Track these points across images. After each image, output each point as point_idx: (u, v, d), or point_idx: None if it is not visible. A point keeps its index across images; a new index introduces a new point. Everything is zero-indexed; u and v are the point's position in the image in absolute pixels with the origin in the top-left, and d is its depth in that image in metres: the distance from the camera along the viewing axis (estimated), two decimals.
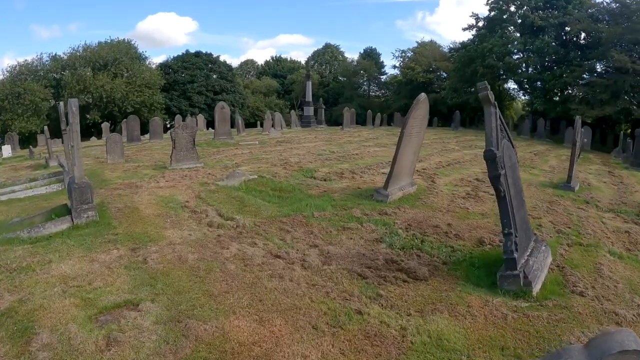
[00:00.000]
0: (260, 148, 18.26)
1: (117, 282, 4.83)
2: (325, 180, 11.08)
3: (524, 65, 37.57)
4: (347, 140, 22.61)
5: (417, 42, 60.35)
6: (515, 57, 38.09)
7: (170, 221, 7.22)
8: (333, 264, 5.57)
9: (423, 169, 13.64)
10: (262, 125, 44.61)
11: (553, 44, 34.55)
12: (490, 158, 4.93)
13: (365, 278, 5.16)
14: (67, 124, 9.86)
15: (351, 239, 6.76)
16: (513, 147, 5.95)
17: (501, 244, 5.54)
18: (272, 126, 29.79)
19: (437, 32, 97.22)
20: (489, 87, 5.50)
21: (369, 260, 5.77)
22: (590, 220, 8.56)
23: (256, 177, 10.68)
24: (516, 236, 4.96)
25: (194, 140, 13.02)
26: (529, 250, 5.49)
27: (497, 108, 5.45)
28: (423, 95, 9.17)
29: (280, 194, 9.38)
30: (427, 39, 65.44)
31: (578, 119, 13.24)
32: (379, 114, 39.03)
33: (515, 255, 4.86)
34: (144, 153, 17.59)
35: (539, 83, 36.94)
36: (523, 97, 46.63)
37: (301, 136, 25.28)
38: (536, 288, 4.91)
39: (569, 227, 7.83)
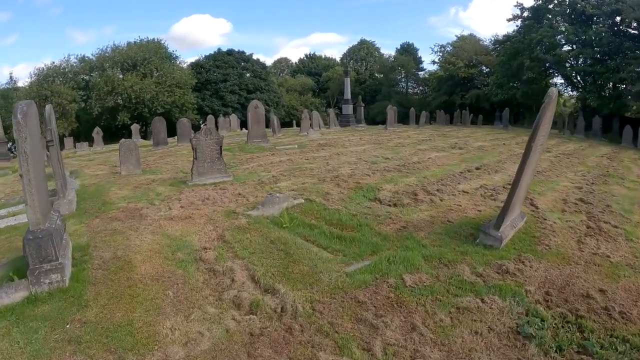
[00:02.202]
0: (301, 154, 15.47)
1: None
2: (395, 205, 8.18)
3: (573, 58, 33.81)
4: (398, 143, 19.56)
5: (456, 35, 57.51)
6: (565, 48, 34.31)
7: (173, 294, 4.47)
8: None
9: (509, 184, 10.53)
10: (298, 125, 42.15)
11: (605, 34, 30.45)
12: None
13: None
14: (51, 134, 7.30)
15: (477, 333, 3.90)
16: None
17: None
18: (310, 126, 26.99)
19: (472, 27, 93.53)
20: None
21: None
22: None
23: (302, 201, 7.87)
24: None
25: (220, 149, 10.33)
26: None
27: None
28: (553, 91, 6.07)
29: (340, 232, 6.53)
30: (459, 34, 61.68)
31: None
32: (423, 112, 35.78)
33: None
34: (167, 160, 15.12)
35: (590, 77, 33.26)
36: (571, 93, 42.85)
37: (343, 137, 22.40)
38: None
39: None
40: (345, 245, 6.03)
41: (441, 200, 8.54)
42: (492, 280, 4.93)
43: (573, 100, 45.54)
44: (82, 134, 37.89)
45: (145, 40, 45.20)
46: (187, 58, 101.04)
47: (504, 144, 20.90)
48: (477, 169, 12.44)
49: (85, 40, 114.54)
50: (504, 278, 5.02)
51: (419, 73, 60.68)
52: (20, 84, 41.91)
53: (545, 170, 13.00)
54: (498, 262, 5.41)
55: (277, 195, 7.27)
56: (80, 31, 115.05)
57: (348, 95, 35.25)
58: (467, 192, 9.21)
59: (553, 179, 11.56)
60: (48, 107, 7.65)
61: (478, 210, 7.84)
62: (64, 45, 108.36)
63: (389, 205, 8.17)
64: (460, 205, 8.24)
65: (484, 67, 48.06)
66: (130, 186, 10.02)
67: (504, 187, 9.66)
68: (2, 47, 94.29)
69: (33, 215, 4.56)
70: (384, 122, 43.99)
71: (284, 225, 6.56)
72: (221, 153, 10.39)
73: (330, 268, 5.12)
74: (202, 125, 42.57)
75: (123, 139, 12.93)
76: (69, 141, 30.83)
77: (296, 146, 17.68)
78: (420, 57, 60.75)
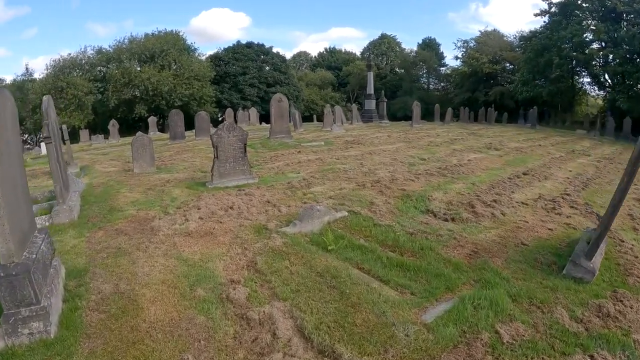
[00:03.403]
0: (329, 152, 14.15)
1: None
2: (453, 220, 6.85)
3: (602, 56, 32.03)
4: (429, 142, 18.09)
5: (479, 31, 55.63)
6: (594, 47, 32.62)
7: (193, 356, 3.16)
8: None
9: (566, 193, 9.13)
10: (318, 120, 40.85)
11: (637, 33, 28.42)
12: None
13: None
14: (48, 129, 6.08)
15: None
16: None
17: None
18: (333, 121, 25.64)
19: (491, 23, 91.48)
20: None
21: None
22: None
23: (346, 214, 6.54)
24: None
25: (244, 147, 9.05)
26: None
27: None
28: None
29: (400, 258, 5.20)
30: (482, 29, 59.75)
31: None
32: (449, 109, 34.37)
33: None
34: (184, 156, 13.94)
35: (619, 77, 31.31)
36: (598, 93, 40.54)
37: (370, 134, 21.01)
38: None
39: None
40: (410, 278, 4.70)
41: (503, 215, 7.24)
42: (594, 328, 3.87)
43: (599, 101, 43.91)
44: (98, 126, 37.07)
45: (163, 31, 44.16)
46: (206, 51, 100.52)
47: (539, 145, 19.43)
48: (525, 174, 11.22)
49: (105, 34, 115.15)
50: (606, 324, 3.95)
51: (441, 69, 59.00)
52: (36, 75, 41.29)
53: (595, 177, 11.62)
54: (595, 302, 4.25)
55: (318, 207, 5.94)
56: (100, 24, 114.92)
57: (371, 90, 33.89)
58: (526, 204, 8.00)
59: (607, 189, 10.15)
60: (45, 99, 6.42)
61: (549, 229, 6.62)
62: (83, 39, 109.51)
63: (447, 220, 6.88)
64: (527, 222, 6.96)
65: (507, 64, 46.44)
66: (142, 187, 8.80)
67: (562, 198, 8.50)
68: (22, 40, 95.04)
69: (4, 245, 3.30)
70: (405, 118, 42.82)
71: (330, 248, 5.23)
72: (245, 151, 9.11)
73: (402, 316, 3.78)
74: (220, 119, 41.54)
75: (138, 133, 11.73)
76: (84, 133, 30.04)
77: (322, 143, 16.35)
78: (442, 53, 59.16)
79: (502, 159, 14.05)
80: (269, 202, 7.23)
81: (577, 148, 19.17)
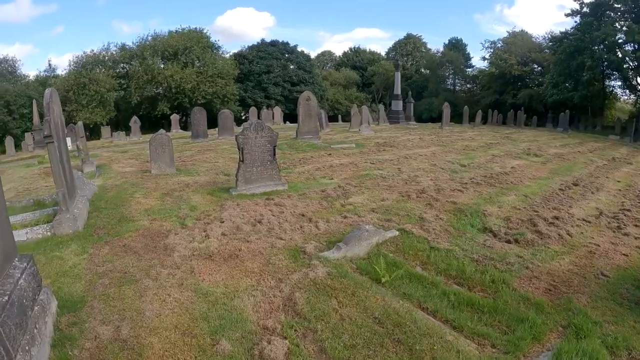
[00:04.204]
0: (361, 155, 13.11)
1: None
2: (517, 241, 5.81)
3: (636, 58, 30.79)
4: (465, 146, 16.89)
5: (507, 32, 53.83)
6: (627, 48, 31.48)
7: None
8: None
9: (625, 209, 7.98)
10: (343, 120, 39.84)
11: None
12: None
13: None
14: (50, 126, 5.19)
15: None
16: None
17: None
18: (360, 122, 24.61)
19: (517, 24, 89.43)
20: None
21: None
22: None
23: (396, 233, 5.48)
24: None
25: (274, 150, 8.07)
26: None
27: None
28: None
29: (469, 294, 4.19)
30: (510, 30, 58.03)
31: None
32: (479, 111, 33.33)
33: None
34: (206, 156, 13.08)
35: None
36: (629, 97, 39.67)
37: (400, 136, 19.91)
38: None
39: None
40: (487, 323, 3.70)
41: (570, 236, 6.23)
42: None
43: (629, 105, 42.25)
44: (120, 123, 36.84)
45: (186, 29, 43.61)
46: (230, 50, 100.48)
47: (578, 151, 18.28)
48: (575, 185, 10.26)
49: (130, 32, 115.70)
50: None
51: (467, 70, 57.40)
52: (59, 72, 41.30)
53: None
54: None
55: (366, 227, 4.87)
56: (126, 23, 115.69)
57: (398, 90, 32.86)
58: (589, 222, 7.05)
59: None
60: (48, 92, 5.49)
61: (623, 255, 5.68)
62: (110, 37, 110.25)
63: (510, 242, 5.85)
64: (598, 245, 5.95)
65: (535, 66, 45.03)
66: (158, 192, 7.89)
67: (624, 215, 7.50)
68: (49, 37, 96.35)
69: None
70: (431, 120, 41.73)
71: (383, 280, 4.19)
72: (274, 154, 8.12)
73: None
74: (243, 118, 40.85)
75: (157, 132, 10.86)
76: (106, 130, 29.72)
77: (353, 145, 15.32)
78: (468, 54, 57.54)
79: (546, 167, 13.06)
80: (303, 215, 6.20)
81: (616, 155, 18.10)
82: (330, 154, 12.91)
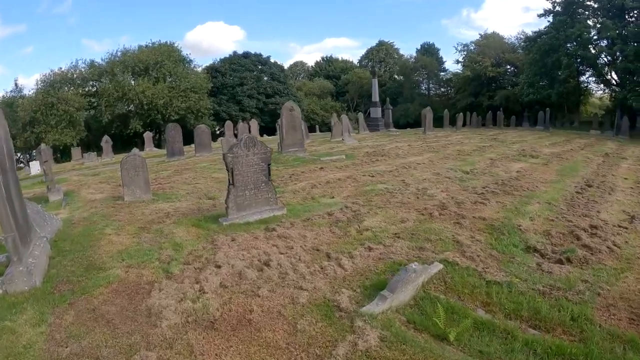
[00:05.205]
0: (355, 167, 12.07)
1: None
2: (569, 260, 5.08)
3: (609, 54, 31.41)
4: (458, 151, 16.10)
5: (479, 34, 54.54)
6: (602, 44, 32.36)
7: None
8: None
9: None
10: (321, 130, 38.91)
11: None
12: None
13: None
14: None
15: None
16: None
17: None
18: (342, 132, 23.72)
19: (484, 27, 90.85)
20: None
21: None
22: None
23: (440, 267, 4.40)
24: None
25: (269, 169, 6.95)
26: None
27: None
28: None
29: (556, 342, 3.27)
30: (469, 36, 59.01)
31: None
32: (461, 114, 33.15)
33: None
34: (185, 176, 11.84)
35: (629, 75, 30.52)
36: (603, 92, 40.51)
37: (387, 144, 19.04)
38: None
39: None
40: None
41: (618, 247, 5.59)
42: None
43: (603, 100, 43.70)
44: (92, 143, 35.18)
45: (157, 43, 42.08)
46: (202, 64, 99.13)
47: (570, 149, 18.21)
48: (589, 186, 9.88)
49: (101, 50, 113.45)
50: None
51: (441, 74, 57.54)
52: (26, 92, 39.38)
53: None
54: None
55: (413, 266, 3.72)
56: (96, 41, 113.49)
57: (376, 97, 32.20)
58: (625, 228, 6.54)
59: None
60: None
61: None
62: (80, 55, 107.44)
63: (562, 262, 5.06)
64: None
65: (509, 67, 45.91)
66: (133, 226, 6.62)
67: None
68: (18, 57, 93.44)
69: None
70: (408, 125, 41.39)
71: (450, 337, 3.12)
72: (269, 174, 7.00)
73: None
74: (217, 132, 39.48)
75: (129, 153, 9.57)
76: (76, 151, 28.05)
77: (343, 157, 14.27)
78: (441, 58, 57.83)
79: (551, 169, 12.56)
80: (317, 250, 5.03)
81: (608, 150, 18.38)
82: (322, 168, 11.81)
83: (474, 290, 4.03)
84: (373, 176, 10.36)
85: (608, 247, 5.54)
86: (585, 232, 6.14)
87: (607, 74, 33.76)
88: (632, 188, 9.96)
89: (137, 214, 7.46)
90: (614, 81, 33.72)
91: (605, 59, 32.36)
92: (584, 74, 37.22)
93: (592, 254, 5.32)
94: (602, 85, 37.43)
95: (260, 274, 4.28)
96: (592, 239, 5.83)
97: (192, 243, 5.51)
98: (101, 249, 5.55)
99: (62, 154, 33.58)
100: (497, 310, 3.75)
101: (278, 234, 5.60)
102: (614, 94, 34.59)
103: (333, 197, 8.16)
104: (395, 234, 5.65)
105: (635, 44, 28.53)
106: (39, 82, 36.90)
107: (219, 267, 4.46)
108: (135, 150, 25.20)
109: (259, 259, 4.66)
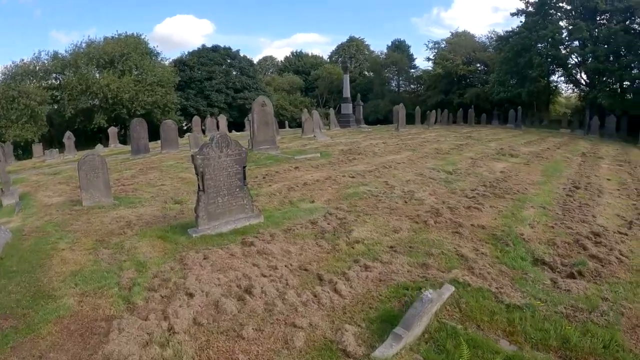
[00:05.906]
0: (332, 167, 11.44)
1: None
2: (581, 274, 4.68)
3: (580, 55, 31.76)
4: (436, 149, 15.70)
5: (450, 32, 54.92)
6: (574, 45, 32.78)
7: None
8: None
9: None
10: (290, 126, 38.10)
11: (622, 32, 28.25)
12: None
13: None
14: None
15: None
16: None
17: None
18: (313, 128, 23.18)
19: (454, 27, 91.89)
20: None
21: None
22: None
23: (452, 289, 3.80)
24: None
25: (244, 172, 6.24)
26: None
27: None
28: None
29: None
30: (439, 34, 59.50)
31: None
32: (433, 111, 33.22)
33: None
34: (150, 176, 10.99)
35: (599, 75, 31.04)
36: (573, 91, 41.10)
37: (361, 141, 18.51)
38: None
39: None
40: None
41: (625, 257, 5.27)
42: None
43: (571, 99, 44.49)
44: (54, 139, 33.35)
45: (123, 35, 40.22)
46: (170, 57, 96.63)
47: (547, 148, 18.16)
48: (577, 187, 9.63)
49: (68, 42, 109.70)
50: None
51: (411, 71, 57.33)
52: None
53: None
54: None
55: (428, 294, 3.11)
56: (64, 33, 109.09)
57: (347, 93, 31.65)
58: (626, 234, 6.26)
59: None
60: None
61: None
62: (46, 48, 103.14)
63: (574, 276, 4.63)
64: None
65: (479, 65, 46.03)
66: (90, 239, 5.80)
67: None
68: None
69: None
70: (378, 121, 41.10)
71: None
72: (245, 178, 6.28)
73: None
74: (185, 128, 38.21)
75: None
76: (38, 148, 26.33)
77: (318, 155, 13.64)
78: (412, 55, 57.66)
79: (534, 169, 12.32)
80: (305, 269, 4.35)
81: (583, 150, 18.44)
82: (297, 167, 11.14)
83: (493, 317, 3.47)
84: (353, 177, 9.75)
85: (617, 258, 5.19)
86: (589, 240, 5.78)
87: (576, 74, 34.30)
88: (618, 190, 9.86)
89: (96, 223, 6.63)
90: (583, 81, 34.28)
91: (576, 60, 32.73)
92: (555, 74, 37.65)
93: (602, 265, 4.94)
94: (571, 85, 38.11)
95: (242, 306, 3.55)
96: (599, 249, 5.47)
97: (158, 262, 4.75)
98: (52, 269, 4.74)
99: (23, 150, 31.72)
100: (523, 340, 3.23)
101: (257, 250, 4.89)
102: (582, 93, 35.23)
103: (313, 202, 7.50)
104: (391, 247, 5.05)
105: (606, 46, 28.97)
106: (0, 75, 34.81)
107: (190, 295, 3.72)
108: (98, 147, 23.87)
109: (238, 284, 3.94)
